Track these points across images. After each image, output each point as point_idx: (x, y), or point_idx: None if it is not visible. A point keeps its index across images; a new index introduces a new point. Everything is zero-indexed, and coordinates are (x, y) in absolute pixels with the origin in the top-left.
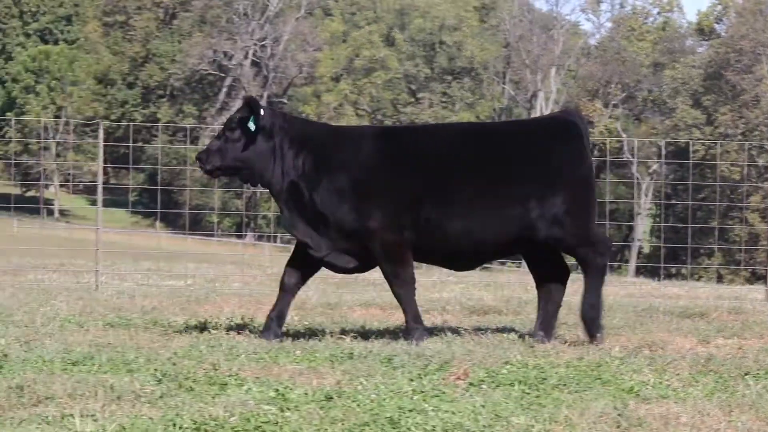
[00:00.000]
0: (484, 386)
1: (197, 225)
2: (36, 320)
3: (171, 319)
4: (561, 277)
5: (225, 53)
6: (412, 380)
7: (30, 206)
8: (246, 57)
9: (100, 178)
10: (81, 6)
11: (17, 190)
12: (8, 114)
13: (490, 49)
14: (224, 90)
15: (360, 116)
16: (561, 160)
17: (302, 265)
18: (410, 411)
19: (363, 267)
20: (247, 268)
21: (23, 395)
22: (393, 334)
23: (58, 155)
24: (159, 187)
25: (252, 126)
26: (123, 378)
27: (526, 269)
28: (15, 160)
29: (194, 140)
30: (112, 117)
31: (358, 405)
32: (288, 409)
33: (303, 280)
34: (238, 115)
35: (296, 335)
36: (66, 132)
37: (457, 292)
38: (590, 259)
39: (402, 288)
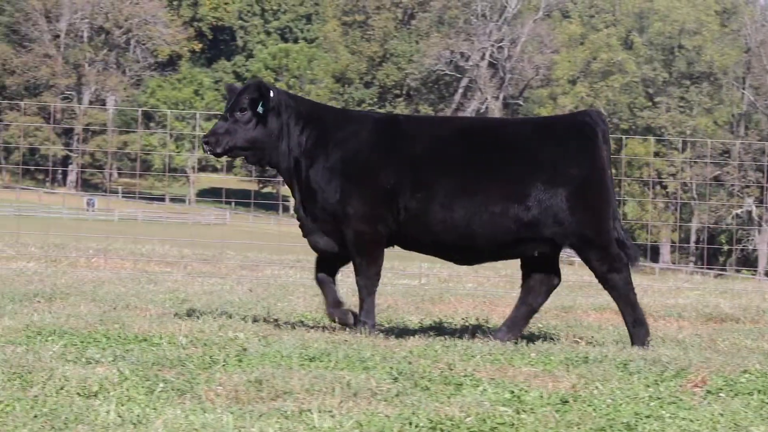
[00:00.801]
0: (722, 395)
1: None
2: (274, 315)
3: (406, 317)
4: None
5: (462, 54)
6: (648, 386)
7: (266, 202)
8: (483, 58)
9: None
10: (321, 5)
11: (255, 186)
12: None
13: (730, 53)
14: (460, 91)
15: None
16: (563, 158)
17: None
18: (647, 417)
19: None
20: (481, 269)
21: (262, 389)
22: (628, 338)
23: None
24: None
25: (261, 109)
26: (359, 375)
27: (763, 277)
28: None
29: None
30: None
31: (594, 410)
32: (523, 411)
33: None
34: (248, 97)
35: (531, 338)
36: None
37: (693, 299)
38: (602, 271)
39: (364, 281)
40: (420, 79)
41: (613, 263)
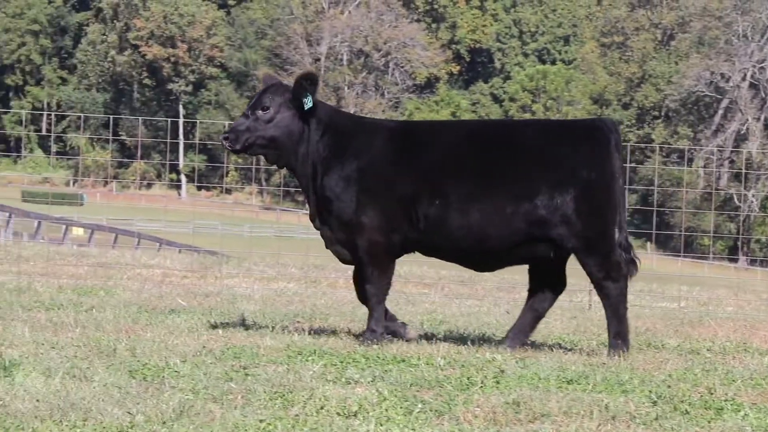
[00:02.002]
0: None
1: (689, 247)
2: (531, 337)
3: (664, 341)
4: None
5: (722, 75)
6: None
7: None
8: (744, 78)
9: None
10: (579, 26)
11: None
12: None
13: None
14: (720, 112)
15: None
16: (575, 162)
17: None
18: None
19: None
20: (741, 292)
21: (519, 411)
22: None
23: None
24: (654, 209)
25: (309, 103)
26: (618, 398)
27: None
28: None
29: (689, 162)
30: None
31: None
32: None
33: None
34: (289, 94)
35: None
36: None
37: None
38: (598, 278)
39: (374, 290)
40: (679, 101)
41: (610, 271)
